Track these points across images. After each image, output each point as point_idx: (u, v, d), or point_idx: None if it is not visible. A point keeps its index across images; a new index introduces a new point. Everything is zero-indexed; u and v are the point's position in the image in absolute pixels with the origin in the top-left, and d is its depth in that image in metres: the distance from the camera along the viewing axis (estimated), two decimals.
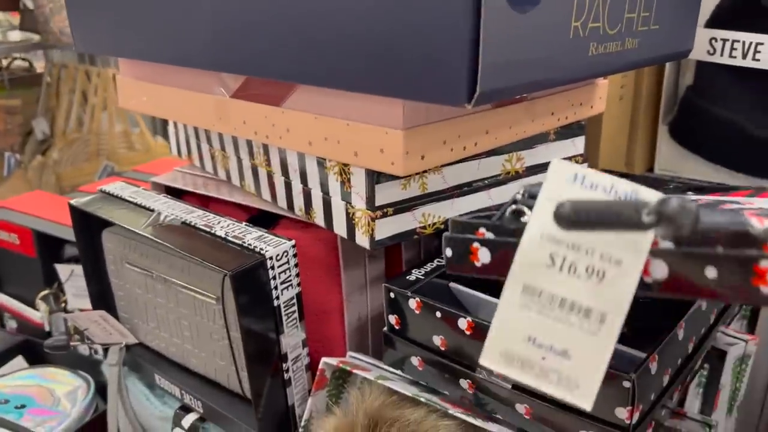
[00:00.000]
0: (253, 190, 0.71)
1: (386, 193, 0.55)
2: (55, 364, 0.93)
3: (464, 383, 0.54)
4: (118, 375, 0.75)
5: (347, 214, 0.57)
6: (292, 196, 0.64)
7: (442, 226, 0.60)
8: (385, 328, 0.59)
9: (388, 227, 0.56)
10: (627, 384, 0.43)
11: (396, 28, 0.43)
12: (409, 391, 0.54)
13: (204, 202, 0.76)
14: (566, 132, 0.69)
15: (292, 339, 0.60)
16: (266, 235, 0.59)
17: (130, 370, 0.77)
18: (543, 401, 0.49)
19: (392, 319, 0.58)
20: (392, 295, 0.57)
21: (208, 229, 0.62)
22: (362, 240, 0.57)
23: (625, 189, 0.33)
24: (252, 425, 0.62)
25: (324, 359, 0.59)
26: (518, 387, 0.50)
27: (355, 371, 0.58)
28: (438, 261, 0.62)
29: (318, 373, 0.59)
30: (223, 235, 0.60)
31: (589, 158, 0.77)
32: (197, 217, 0.64)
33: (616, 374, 0.44)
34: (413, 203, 0.57)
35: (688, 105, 0.85)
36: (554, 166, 0.35)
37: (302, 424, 0.60)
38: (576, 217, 0.32)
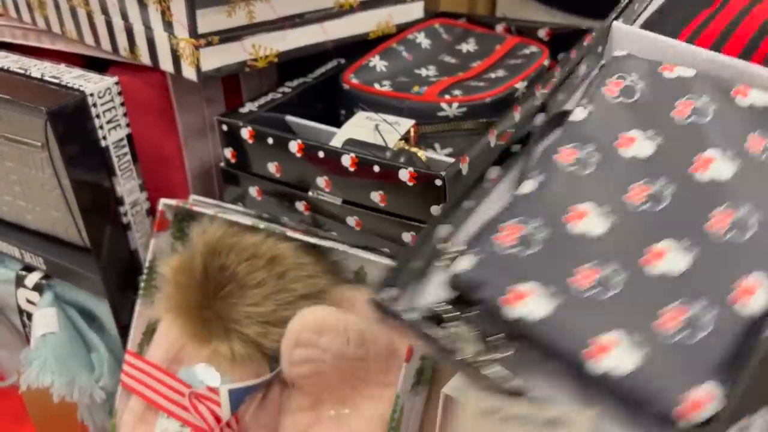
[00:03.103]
0: (75, 36, 0.66)
1: (210, 20, 0.53)
2: None
3: (300, 205, 0.55)
4: None
5: (171, 46, 0.55)
6: (115, 35, 0.60)
7: (276, 60, 0.60)
8: (222, 164, 0.59)
9: (214, 57, 0.55)
10: (438, 182, 0.46)
11: None
12: (248, 220, 0.55)
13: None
14: None
15: (128, 182, 0.59)
16: (87, 74, 0.56)
17: None
18: (371, 211, 0.51)
19: (228, 153, 0.58)
20: (225, 127, 0.57)
21: (22, 72, 0.57)
22: (189, 72, 0.55)
23: None
24: (96, 273, 0.61)
25: (162, 200, 0.58)
26: (348, 201, 0.52)
27: (194, 208, 0.58)
28: (272, 94, 0.62)
29: (158, 214, 0.59)
30: (39, 77, 0.56)
31: (431, 1, 0.78)
32: (10, 61, 0.60)
33: (429, 174, 0.46)
34: (241, 33, 0.56)
35: None
36: None
37: (146, 265, 0.60)
38: None
